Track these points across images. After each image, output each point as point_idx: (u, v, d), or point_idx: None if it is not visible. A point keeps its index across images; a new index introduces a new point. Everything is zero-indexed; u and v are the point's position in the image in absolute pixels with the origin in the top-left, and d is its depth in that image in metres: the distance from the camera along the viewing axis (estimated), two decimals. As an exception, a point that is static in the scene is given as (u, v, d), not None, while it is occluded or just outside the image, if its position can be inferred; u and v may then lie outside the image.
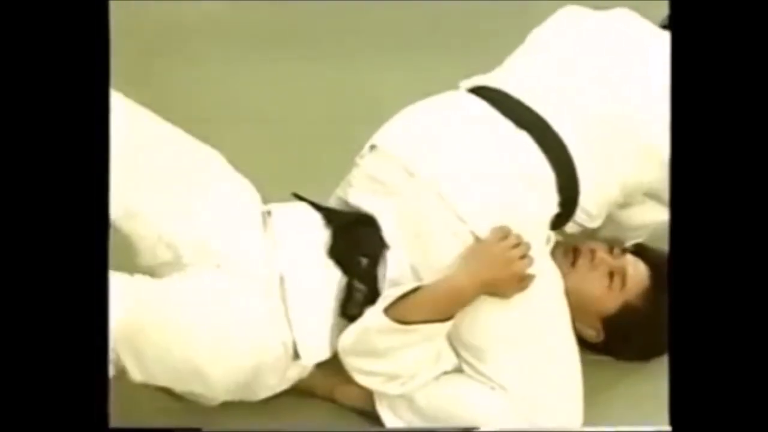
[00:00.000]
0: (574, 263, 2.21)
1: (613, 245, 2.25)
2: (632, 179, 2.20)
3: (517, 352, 2.07)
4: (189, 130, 2.23)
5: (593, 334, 2.23)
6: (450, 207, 2.07)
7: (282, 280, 2.12)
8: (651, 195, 2.24)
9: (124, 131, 1.99)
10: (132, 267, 2.13)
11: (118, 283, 1.89)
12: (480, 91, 2.23)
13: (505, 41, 2.34)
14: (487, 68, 2.30)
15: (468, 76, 2.30)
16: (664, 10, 2.14)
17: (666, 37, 2.05)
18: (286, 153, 2.85)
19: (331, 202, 2.28)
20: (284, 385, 2.15)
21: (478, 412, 2.07)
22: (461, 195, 2.08)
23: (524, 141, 2.14)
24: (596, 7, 2.35)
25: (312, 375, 2.17)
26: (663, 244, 1.89)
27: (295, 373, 2.14)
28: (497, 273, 2.03)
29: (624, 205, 2.26)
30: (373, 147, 2.21)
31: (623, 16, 2.32)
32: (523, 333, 2.07)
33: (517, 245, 2.04)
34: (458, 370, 2.11)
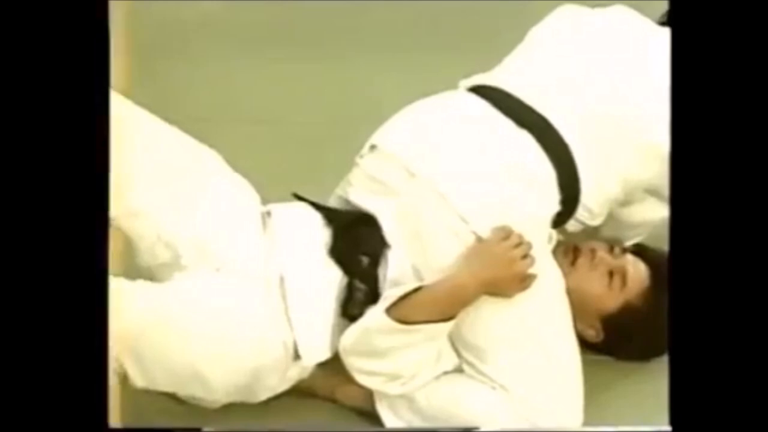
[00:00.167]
0: (574, 262, 2.21)
1: (614, 245, 2.25)
2: (633, 176, 2.20)
3: (518, 352, 2.07)
4: (189, 130, 2.23)
5: (593, 333, 2.23)
6: (451, 207, 2.07)
7: (282, 280, 2.12)
8: (651, 191, 2.24)
9: (124, 131, 1.99)
10: (132, 266, 2.13)
11: (118, 289, 1.90)
12: (480, 90, 2.23)
13: (504, 40, 2.34)
14: (486, 67, 2.30)
15: (467, 75, 2.30)
16: (661, 7, 2.15)
17: (665, 33, 2.05)
18: (286, 153, 2.85)
19: (332, 202, 2.28)
20: (285, 386, 2.15)
21: (478, 412, 2.07)
22: (462, 194, 2.08)
23: (525, 140, 2.14)
24: (594, 5, 2.35)
25: (312, 375, 2.16)
26: (663, 244, 1.89)
27: (295, 374, 2.14)
28: (499, 273, 2.03)
29: (625, 202, 2.26)
30: (373, 147, 2.21)
31: (621, 13, 2.32)
32: (524, 333, 2.07)
33: (518, 245, 2.04)
34: (459, 369, 2.11)
